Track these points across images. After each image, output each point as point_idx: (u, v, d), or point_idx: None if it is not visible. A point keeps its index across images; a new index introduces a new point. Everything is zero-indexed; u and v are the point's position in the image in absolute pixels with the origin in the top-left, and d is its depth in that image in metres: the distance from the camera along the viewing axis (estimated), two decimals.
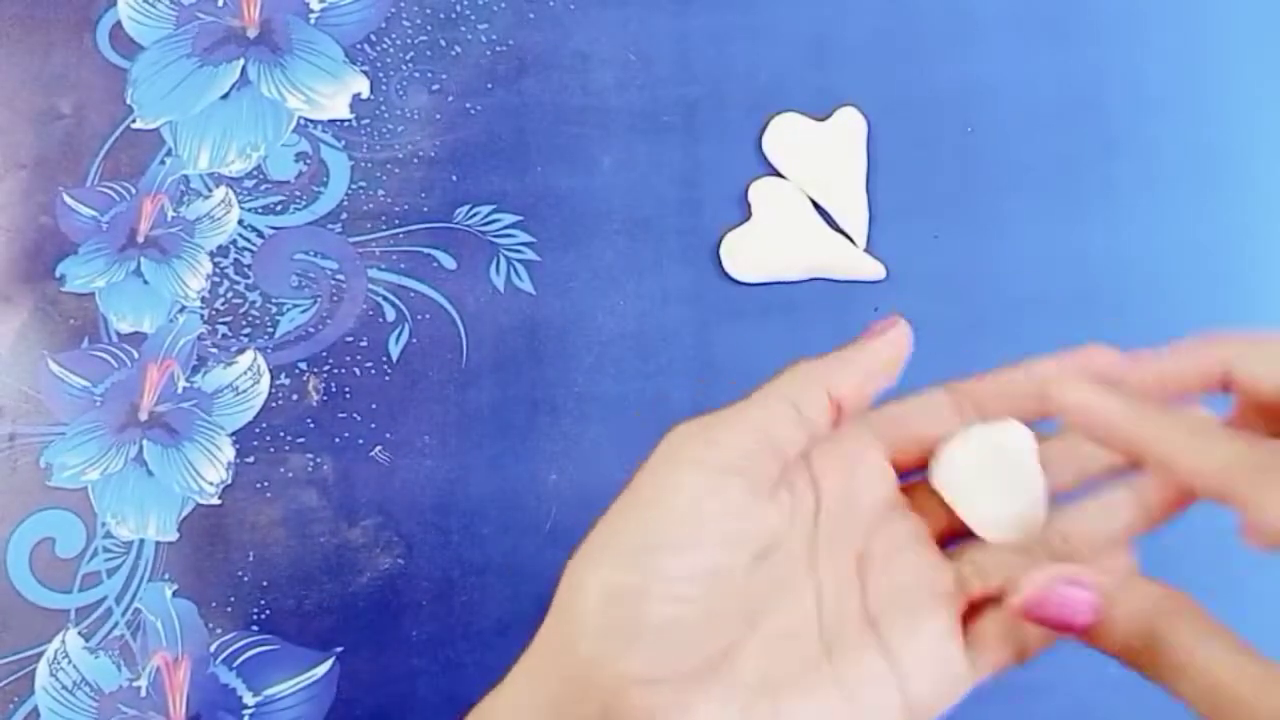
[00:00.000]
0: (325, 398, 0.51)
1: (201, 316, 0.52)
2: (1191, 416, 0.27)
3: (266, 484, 0.50)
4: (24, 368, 0.52)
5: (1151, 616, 0.25)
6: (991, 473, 0.29)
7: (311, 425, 0.51)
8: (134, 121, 0.55)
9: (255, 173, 0.54)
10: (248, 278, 0.53)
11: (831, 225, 0.51)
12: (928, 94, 0.52)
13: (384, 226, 0.53)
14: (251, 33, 0.55)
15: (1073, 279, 0.50)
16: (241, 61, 0.55)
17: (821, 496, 0.30)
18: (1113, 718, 0.47)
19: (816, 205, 0.51)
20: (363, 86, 0.54)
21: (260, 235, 0.53)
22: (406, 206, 0.53)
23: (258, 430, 0.51)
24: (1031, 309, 0.50)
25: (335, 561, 0.50)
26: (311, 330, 0.52)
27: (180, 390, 0.52)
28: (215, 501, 0.50)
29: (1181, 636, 0.25)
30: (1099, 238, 0.51)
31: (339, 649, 0.49)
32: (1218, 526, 0.26)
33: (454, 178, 0.53)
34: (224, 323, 0.52)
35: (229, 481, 0.51)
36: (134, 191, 0.54)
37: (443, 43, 0.55)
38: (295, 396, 0.51)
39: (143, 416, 0.51)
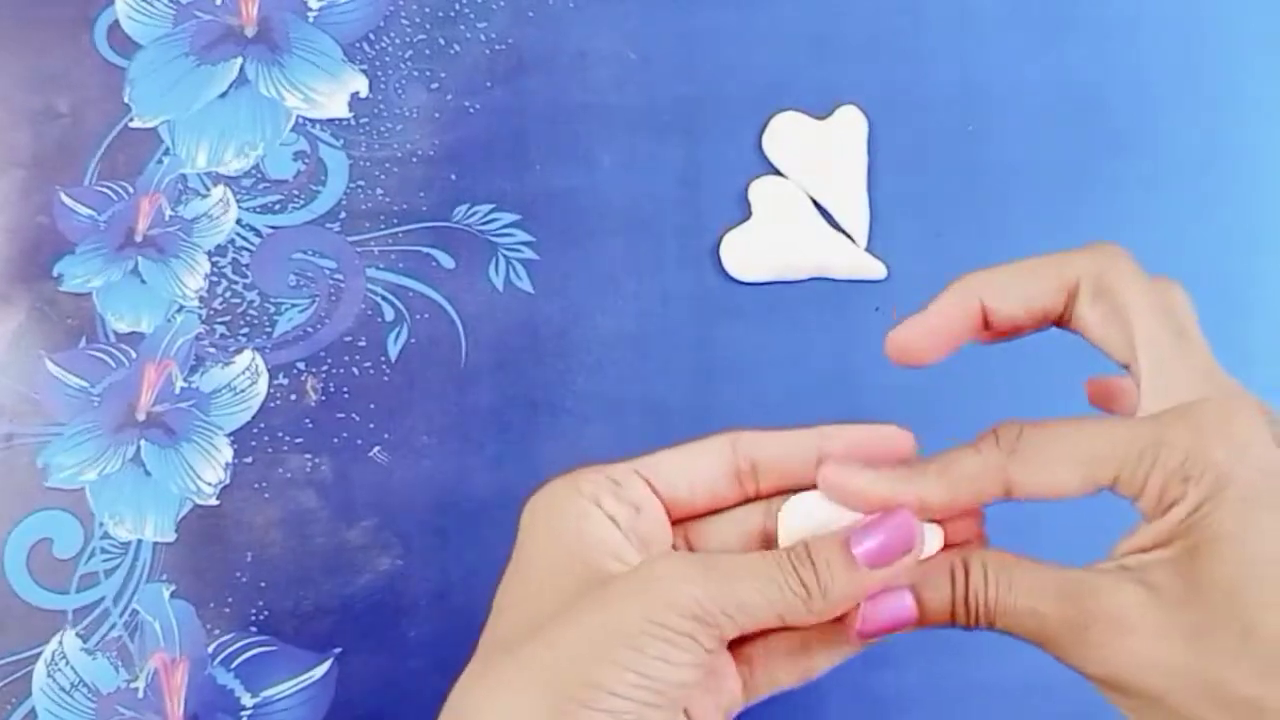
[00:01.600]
0: (324, 398, 0.51)
1: (199, 316, 0.52)
2: (924, 463, 0.29)
3: (265, 484, 0.50)
4: (21, 368, 0.52)
5: (957, 583, 0.28)
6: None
7: (310, 425, 0.51)
8: (131, 120, 0.54)
9: (253, 172, 0.54)
10: (246, 277, 0.53)
11: (832, 224, 0.51)
12: (928, 93, 0.52)
13: (382, 226, 0.53)
14: (249, 31, 0.55)
15: None
16: (240, 60, 0.55)
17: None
18: (1112, 718, 0.47)
19: (817, 204, 0.51)
20: (361, 85, 0.54)
21: (258, 234, 0.53)
22: (405, 205, 0.53)
23: (256, 430, 0.51)
24: None
25: (334, 562, 0.50)
26: (310, 330, 0.52)
27: (178, 390, 0.51)
28: (213, 502, 0.50)
29: (987, 584, 0.27)
30: (1099, 237, 0.51)
31: (337, 650, 0.49)
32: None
33: (453, 176, 0.53)
34: (222, 322, 0.52)
35: (227, 482, 0.50)
36: (132, 191, 0.54)
37: (441, 41, 0.54)
38: (293, 396, 0.51)
39: (140, 417, 0.51)
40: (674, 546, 0.31)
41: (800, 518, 0.29)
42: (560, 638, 0.27)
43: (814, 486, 0.29)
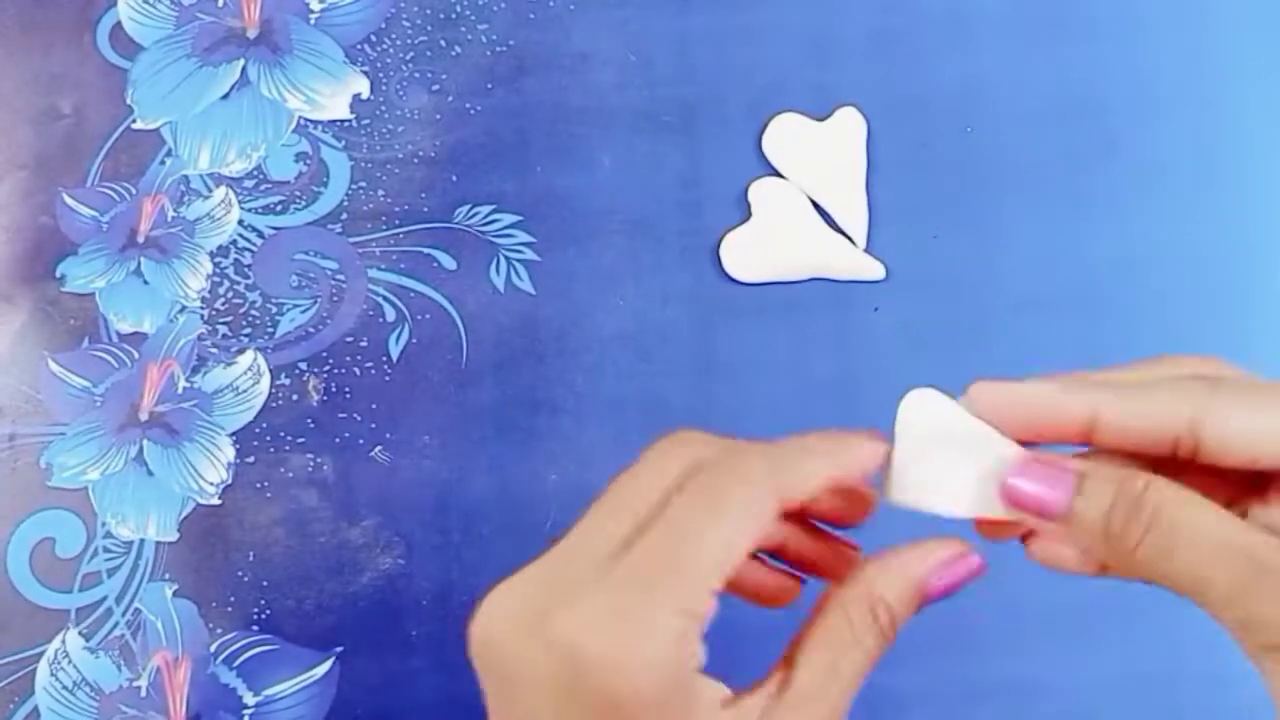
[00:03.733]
0: (325, 398, 0.51)
1: (201, 316, 0.52)
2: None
3: (267, 484, 0.50)
4: (24, 368, 0.52)
5: (1129, 484, 0.24)
6: (944, 446, 0.27)
7: (311, 425, 0.51)
8: (134, 122, 0.55)
9: (255, 173, 0.54)
10: (248, 278, 0.53)
11: (831, 225, 0.51)
12: (927, 94, 0.52)
13: (384, 226, 0.53)
14: (252, 33, 0.55)
15: (1073, 279, 0.50)
16: (242, 62, 0.55)
17: None
18: (1113, 718, 0.47)
19: (816, 205, 0.51)
20: (363, 87, 0.54)
21: (260, 235, 0.53)
22: (406, 206, 0.53)
23: (258, 430, 0.51)
24: (1031, 309, 0.50)
25: (335, 561, 0.50)
26: (311, 330, 0.52)
27: (180, 390, 0.52)
28: (215, 501, 0.50)
29: (1178, 496, 0.24)
30: (1099, 238, 0.51)
31: (339, 649, 0.49)
32: None
33: (454, 178, 0.53)
34: (224, 323, 0.52)
35: (229, 481, 0.51)
36: (134, 192, 0.54)
37: (443, 43, 0.55)
38: (295, 396, 0.51)
39: (143, 416, 0.51)
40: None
41: (918, 413, 0.28)
42: None
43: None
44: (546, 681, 0.24)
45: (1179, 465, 0.25)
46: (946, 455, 0.27)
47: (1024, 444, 0.27)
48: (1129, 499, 0.24)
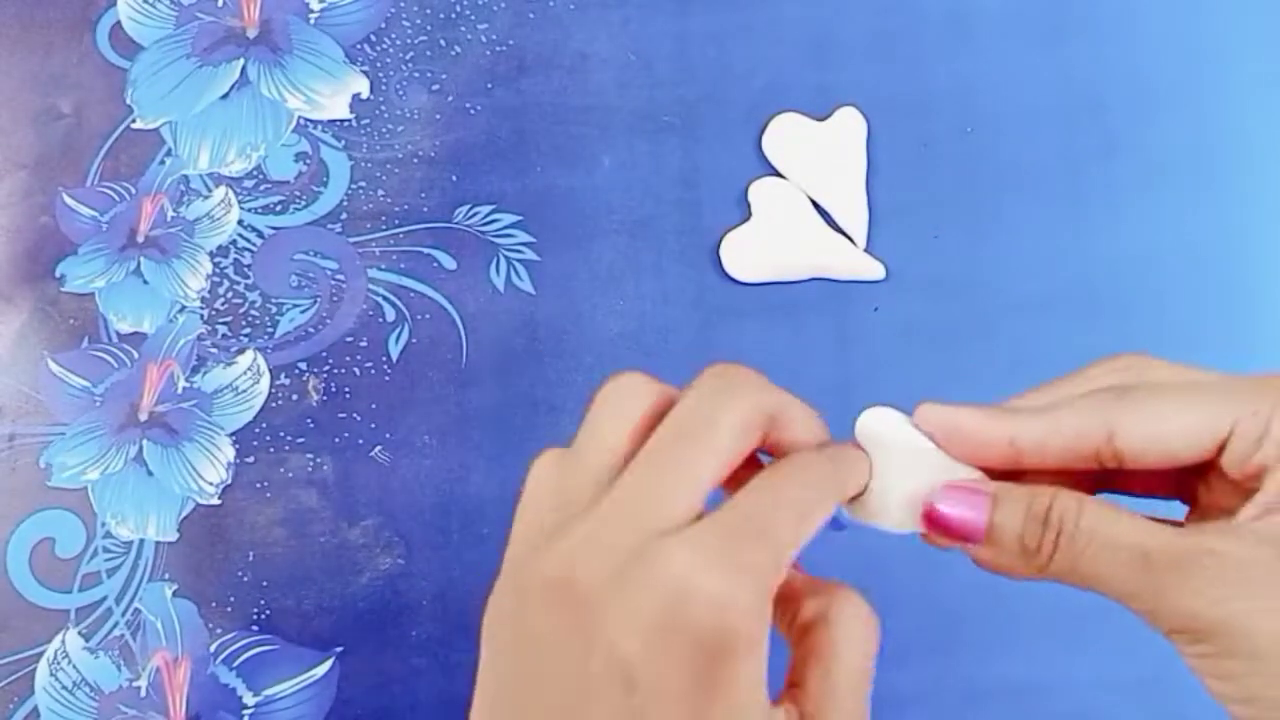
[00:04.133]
0: (325, 398, 0.51)
1: (201, 316, 0.52)
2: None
3: (266, 484, 0.50)
4: (24, 368, 0.52)
5: (1038, 502, 0.26)
6: (896, 465, 0.28)
7: (311, 425, 0.51)
8: (134, 121, 0.55)
9: (255, 173, 0.54)
10: (247, 278, 0.53)
11: (831, 225, 0.51)
12: (927, 94, 0.52)
13: (384, 226, 0.53)
14: (251, 33, 0.55)
15: (1073, 279, 0.50)
16: (241, 62, 0.55)
17: None
18: (1112, 718, 0.47)
19: (816, 205, 0.51)
20: (362, 86, 0.54)
21: (260, 235, 0.53)
22: (406, 206, 0.53)
23: (257, 430, 0.51)
24: (1031, 309, 0.50)
25: (335, 561, 0.50)
26: (311, 330, 0.52)
27: (180, 390, 0.52)
28: (215, 501, 0.50)
29: (1081, 510, 0.25)
30: (1099, 238, 0.51)
31: (339, 649, 0.49)
32: None
33: (454, 178, 0.53)
34: (224, 323, 0.52)
35: (229, 481, 0.51)
36: (134, 192, 0.54)
37: (442, 43, 0.55)
38: (295, 396, 0.51)
39: (142, 416, 0.51)
40: None
41: (876, 424, 0.29)
42: None
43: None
44: (642, 619, 0.23)
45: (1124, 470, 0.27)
46: (898, 473, 0.28)
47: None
48: (1037, 517, 0.26)
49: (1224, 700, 0.25)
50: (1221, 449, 0.25)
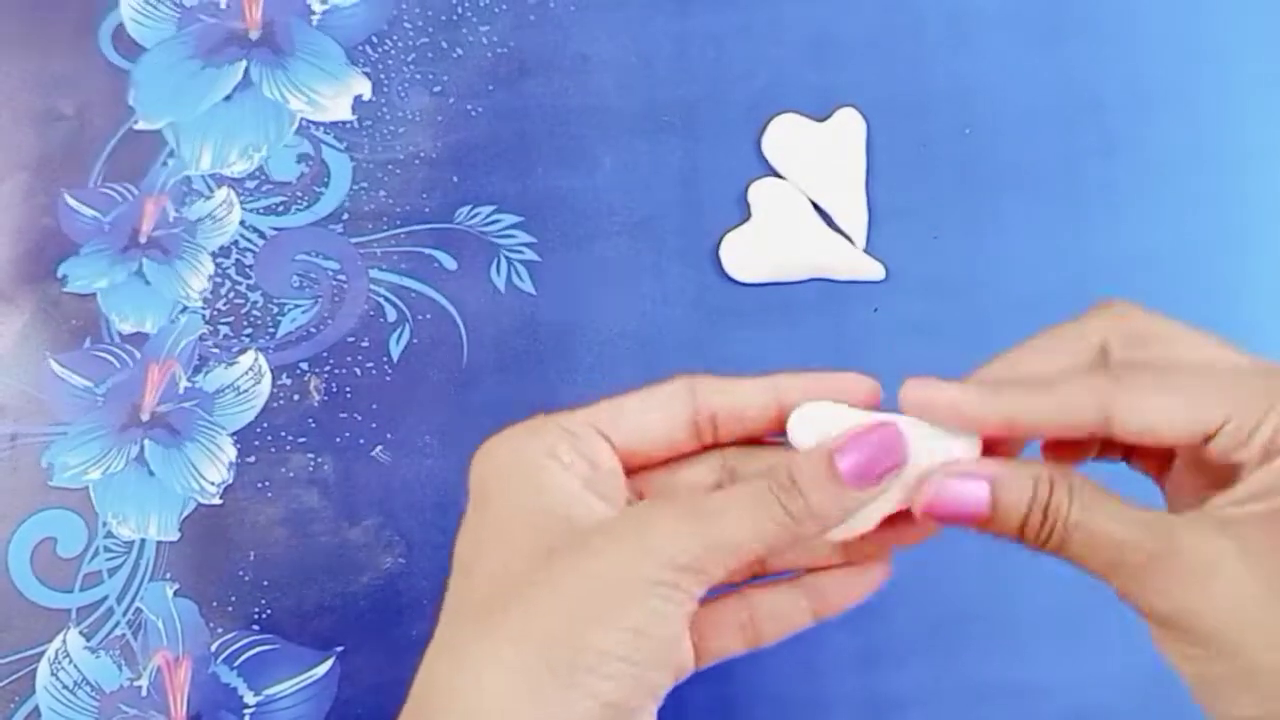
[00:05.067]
0: (326, 398, 0.51)
1: (203, 317, 0.52)
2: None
3: (268, 484, 0.51)
4: (26, 368, 0.52)
5: (1040, 491, 0.27)
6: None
7: (313, 425, 0.51)
8: (136, 123, 0.55)
9: (257, 174, 0.54)
10: (249, 278, 0.53)
11: (831, 225, 0.51)
12: (926, 96, 0.52)
13: (385, 227, 0.53)
14: (253, 35, 0.55)
15: (1072, 279, 0.50)
16: (244, 63, 0.55)
17: None
18: (1113, 718, 0.47)
19: (816, 205, 0.51)
20: (364, 88, 0.55)
21: (262, 236, 0.53)
22: (408, 207, 0.53)
23: (259, 430, 0.51)
24: (1031, 309, 0.50)
25: (336, 561, 0.50)
26: (313, 330, 0.52)
27: (182, 390, 0.52)
28: (216, 501, 0.51)
29: (1072, 501, 0.26)
30: (1098, 238, 0.51)
31: (340, 648, 0.49)
32: None
33: (455, 179, 0.53)
34: (225, 323, 0.52)
35: (230, 481, 0.51)
36: (136, 192, 0.54)
37: (444, 44, 0.55)
38: (296, 396, 0.51)
39: (144, 416, 0.52)
40: (628, 501, 0.29)
41: (809, 424, 0.28)
42: (544, 599, 0.25)
43: (772, 436, 0.29)
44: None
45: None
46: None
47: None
48: (1040, 504, 0.27)
49: (1188, 679, 0.27)
50: (1210, 437, 0.26)
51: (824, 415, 0.28)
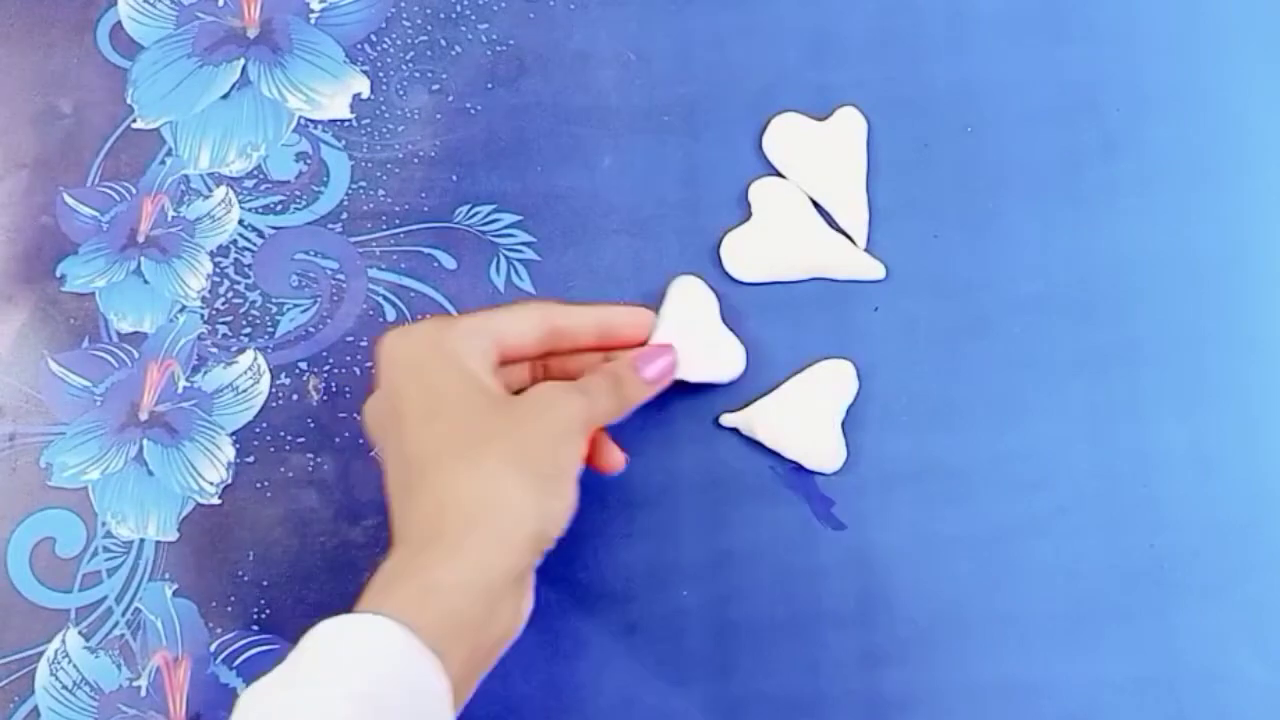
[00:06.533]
0: (325, 397, 0.51)
1: (202, 316, 0.52)
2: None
3: (267, 484, 0.51)
4: (24, 367, 0.52)
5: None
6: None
7: (312, 425, 0.51)
8: (134, 121, 0.55)
9: (255, 172, 0.54)
10: (248, 277, 0.53)
11: (831, 225, 0.51)
12: (927, 94, 0.52)
13: (384, 226, 0.53)
14: (252, 33, 0.55)
15: (1073, 279, 0.50)
16: (242, 61, 0.55)
17: None
18: (1112, 718, 0.47)
19: (816, 205, 0.51)
20: (363, 86, 0.54)
21: (260, 235, 0.53)
22: (407, 206, 0.53)
23: (258, 430, 0.51)
24: (1031, 309, 0.50)
25: (336, 561, 0.50)
26: (312, 330, 0.52)
27: (180, 390, 0.52)
28: (215, 501, 0.50)
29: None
30: (1099, 238, 0.51)
31: None
32: None
33: (454, 177, 0.53)
34: (224, 322, 0.52)
35: (229, 481, 0.51)
36: (134, 191, 0.54)
37: (443, 42, 0.55)
38: (295, 396, 0.51)
39: (143, 416, 0.51)
40: (505, 386, 0.42)
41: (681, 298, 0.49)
42: (518, 435, 0.39)
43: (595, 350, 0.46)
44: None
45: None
46: (689, 335, 0.48)
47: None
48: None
49: None
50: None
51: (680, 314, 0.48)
